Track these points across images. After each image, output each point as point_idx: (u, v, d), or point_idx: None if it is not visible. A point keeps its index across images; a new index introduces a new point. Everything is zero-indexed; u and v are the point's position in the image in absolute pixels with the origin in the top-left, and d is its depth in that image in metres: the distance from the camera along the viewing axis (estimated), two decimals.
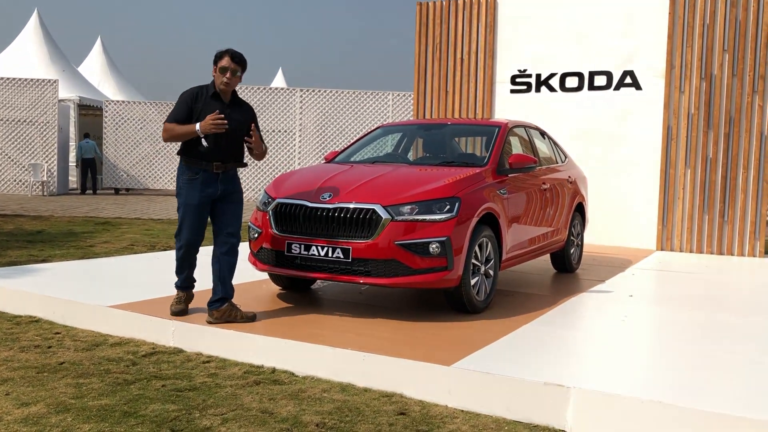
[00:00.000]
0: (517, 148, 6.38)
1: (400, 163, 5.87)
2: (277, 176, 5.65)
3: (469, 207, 4.88)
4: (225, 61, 4.53)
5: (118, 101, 21.36)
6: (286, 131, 18.66)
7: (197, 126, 4.43)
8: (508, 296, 5.78)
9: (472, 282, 4.96)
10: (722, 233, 9.29)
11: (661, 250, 9.58)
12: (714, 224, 9.32)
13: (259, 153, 4.75)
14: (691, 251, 9.43)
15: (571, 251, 7.26)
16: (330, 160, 6.29)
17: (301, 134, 18.64)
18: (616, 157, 9.86)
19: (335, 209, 4.78)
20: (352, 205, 4.75)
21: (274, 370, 4.09)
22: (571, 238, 7.22)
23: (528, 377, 3.48)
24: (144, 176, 20.76)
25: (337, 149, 18.61)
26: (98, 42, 28.73)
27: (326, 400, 3.59)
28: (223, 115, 4.44)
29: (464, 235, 4.79)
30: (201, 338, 4.46)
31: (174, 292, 4.93)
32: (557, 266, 7.32)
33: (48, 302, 5.21)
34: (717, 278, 7.40)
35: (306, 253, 4.84)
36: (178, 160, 4.74)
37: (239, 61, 4.56)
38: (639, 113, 9.76)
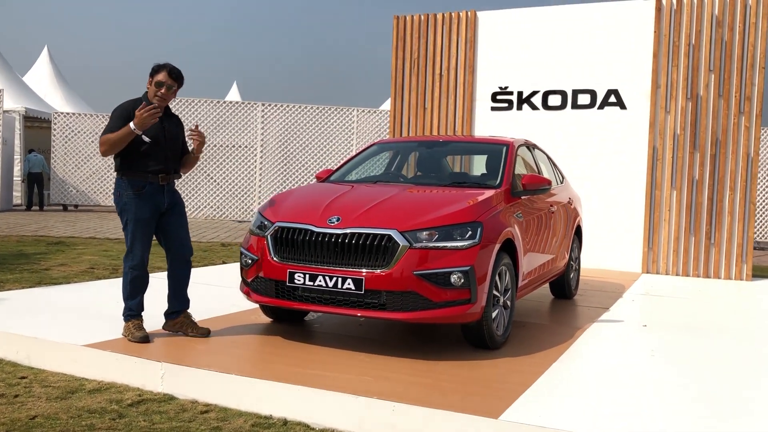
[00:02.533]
0: (521, 168, 6.01)
1: (404, 184, 5.42)
2: (272, 197, 5.11)
3: (491, 232, 4.46)
4: (162, 76, 4.49)
5: (67, 113, 20.32)
6: (246, 147, 17.99)
7: (131, 124, 4.30)
8: (520, 328, 5.37)
9: (493, 314, 4.53)
10: (709, 256, 9.13)
11: (647, 272, 9.36)
12: (700, 246, 9.15)
13: (196, 158, 4.77)
14: (677, 274, 9.24)
15: (571, 276, 6.92)
16: (324, 179, 5.79)
17: (263, 150, 18.01)
18: (600, 178, 9.63)
19: (345, 235, 4.29)
20: (365, 231, 4.27)
21: (285, 422, 3.56)
22: (570, 262, 6.89)
23: None
24: (94, 192, 19.75)
25: (301, 165, 18.11)
26: (45, 51, 27.46)
27: None
28: (153, 104, 4.37)
29: (487, 263, 4.36)
30: (195, 383, 3.89)
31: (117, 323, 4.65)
32: (556, 292, 6.96)
33: (10, 340, 4.54)
34: (719, 303, 7.17)
35: (312, 283, 4.32)
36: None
37: (176, 77, 4.53)
38: (624, 133, 9.56)
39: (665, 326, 5.81)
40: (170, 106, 4.73)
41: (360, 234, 4.27)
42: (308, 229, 4.40)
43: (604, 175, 9.63)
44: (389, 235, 4.23)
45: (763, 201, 17.47)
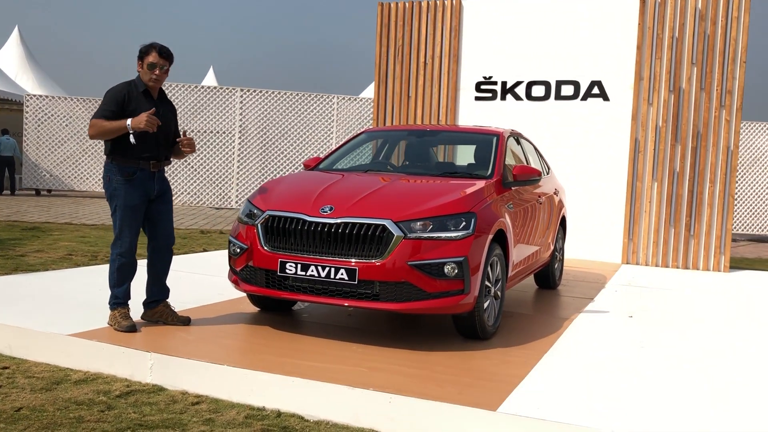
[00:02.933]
0: (509, 159, 5.99)
1: (396, 173, 5.37)
2: (262, 184, 5.02)
3: (484, 223, 4.44)
4: (153, 57, 4.38)
5: (41, 96, 19.87)
6: (224, 132, 17.78)
7: (128, 121, 4.23)
8: (507, 318, 5.37)
9: (485, 305, 4.52)
10: (688, 247, 9.23)
11: (627, 263, 9.44)
12: (680, 238, 9.25)
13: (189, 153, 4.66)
14: (656, 265, 9.33)
15: (555, 266, 6.95)
16: (312, 167, 5.72)
17: (242, 136, 17.81)
18: (582, 169, 9.67)
19: (339, 224, 4.23)
20: (358, 220, 4.22)
21: (279, 414, 3.51)
22: (555, 253, 6.91)
23: (592, 425, 3.05)
24: (69, 177, 19.38)
25: (279, 152, 17.95)
26: (15, 31, 26.80)
27: None
28: (155, 114, 4.29)
29: (480, 254, 4.34)
30: (185, 373, 3.82)
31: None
32: (540, 283, 6.98)
33: None
34: (700, 295, 7.25)
35: (303, 273, 4.26)
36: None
37: (167, 56, 4.43)
38: (606, 124, 9.61)
39: (652, 318, 5.85)
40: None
41: (354, 224, 4.22)
42: (300, 218, 4.34)
43: (587, 167, 9.67)
44: (383, 225, 4.19)
45: (737, 194, 17.73)
